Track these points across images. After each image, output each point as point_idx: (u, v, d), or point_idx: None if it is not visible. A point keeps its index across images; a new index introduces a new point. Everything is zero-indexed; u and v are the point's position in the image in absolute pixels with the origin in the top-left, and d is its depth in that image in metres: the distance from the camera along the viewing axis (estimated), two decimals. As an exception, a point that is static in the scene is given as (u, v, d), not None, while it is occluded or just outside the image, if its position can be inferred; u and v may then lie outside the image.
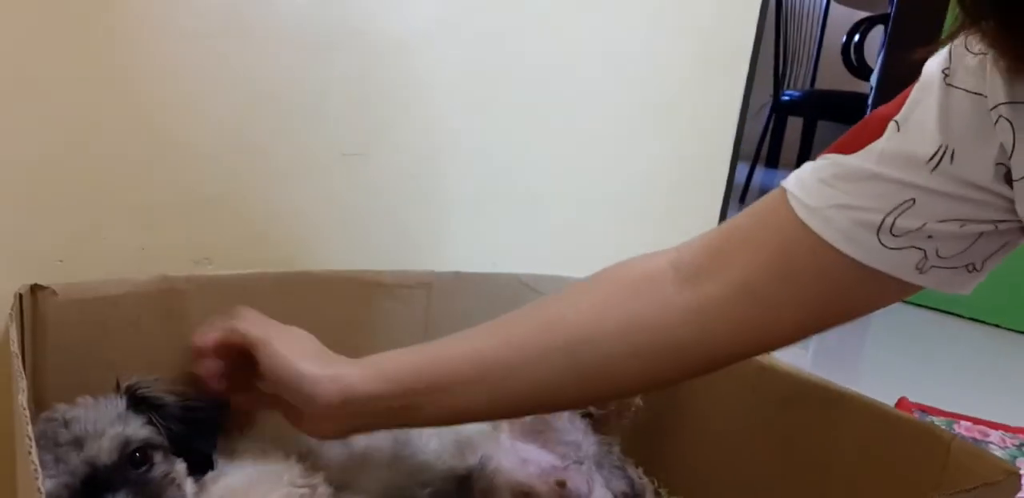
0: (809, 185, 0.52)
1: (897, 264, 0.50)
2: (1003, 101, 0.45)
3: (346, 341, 0.78)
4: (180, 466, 0.58)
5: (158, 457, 0.57)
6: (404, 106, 0.88)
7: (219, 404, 0.63)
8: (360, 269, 0.78)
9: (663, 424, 0.83)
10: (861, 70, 3.16)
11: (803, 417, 0.72)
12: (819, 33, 3.82)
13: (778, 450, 0.74)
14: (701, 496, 0.80)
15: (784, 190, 0.54)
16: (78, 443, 0.54)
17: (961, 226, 0.49)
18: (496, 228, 1.00)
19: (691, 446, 0.83)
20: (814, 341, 1.99)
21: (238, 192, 0.80)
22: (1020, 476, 0.57)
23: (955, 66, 0.48)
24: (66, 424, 0.55)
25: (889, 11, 2.76)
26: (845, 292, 0.53)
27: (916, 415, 1.48)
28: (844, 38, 3.26)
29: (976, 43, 0.46)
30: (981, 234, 0.50)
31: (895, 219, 0.49)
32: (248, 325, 0.61)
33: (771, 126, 3.74)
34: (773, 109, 3.56)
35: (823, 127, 4.13)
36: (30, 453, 0.44)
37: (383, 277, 0.79)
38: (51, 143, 0.71)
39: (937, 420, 1.47)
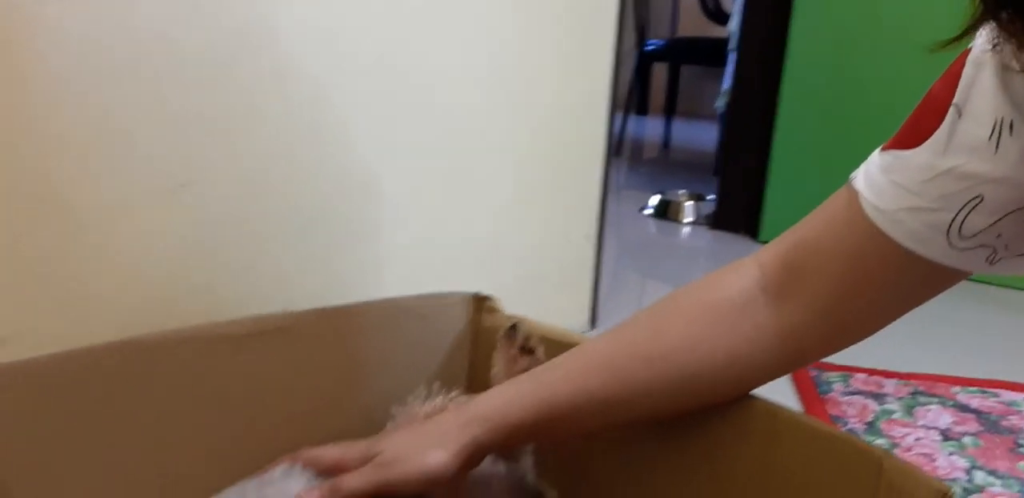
0: (880, 186, 0.53)
1: (969, 261, 0.52)
2: None
3: (203, 411, 0.67)
4: None
5: None
6: (224, 131, 0.76)
7: None
8: (199, 324, 0.67)
9: (580, 450, 0.77)
10: (718, 16, 3.17)
11: (725, 431, 0.66)
12: (675, -20, 3.82)
13: (700, 467, 0.68)
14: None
15: (854, 190, 0.54)
16: None
17: None
18: (359, 247, 0.90)
19: (610, 470, 0.76)
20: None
21: (27, 251, 0.66)
22: (953, 496, 0.53)
23: (1004, 41, 0.45)
24: None
25: (742, -45, 2.75)
26: (919, 287, 0.55)
27: (812, 373, 1.48)
28: (700, -16, 3.25)
29: None
30: None
31: (965, 217, 0.50)
32: (351, 480, 0.59)
33: (637, 76, 3.74)
34: (638, 59, 3.55)
35: (686, 71, 4.18)
36: None
37: (230, 328, 0.68)
38: None
39: (832, 375, 1.47)
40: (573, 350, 0.66)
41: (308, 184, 0.85)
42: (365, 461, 0.60)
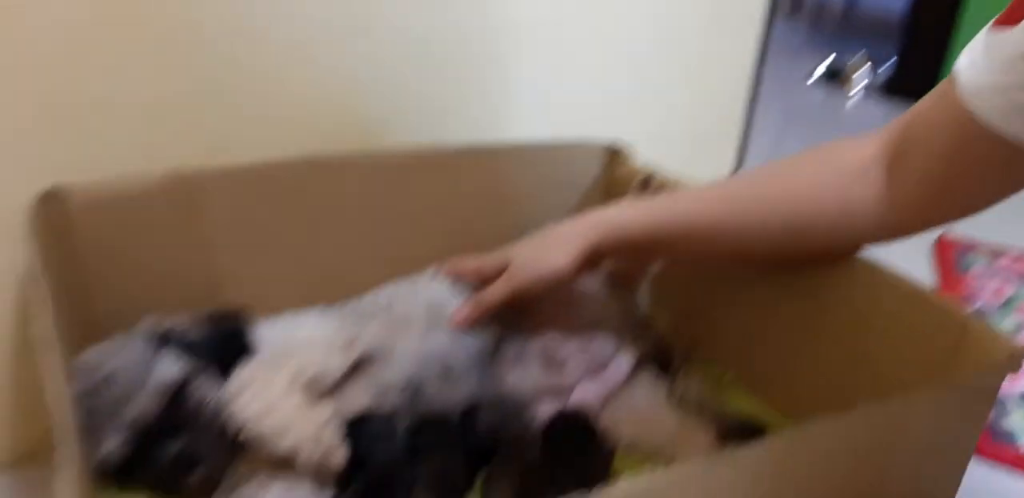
0: (977, 65, 0.53)
1: None
2: None
3: (370, 223, 0.78)
4: (220, 385, 0.60)
5: (198, 386, 0.59)
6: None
7: (242, 321, 0.66)
8: (370, 150, 0.77)
9: (691, 285, 0.83)
10: None
11: (827, 280, 0.70)
12: None
13: (800, 311, 0.73)
14: (724, 354, 0.81)
15: (956, 70, 0.55)
16: (123, 400, 0.56)
17: None
18: (507, 92, 0.96)
19: (717, 306, 0.82)
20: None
21: (247, 76, 0.77)
22: (1022, 360, 0.56)
23: None
24: (106, 382, 0.56)
25: None
26: (1012, 170, 0.56)
27: (956, 250, 1.45)
28: None
29: None
30: None
31: None
32: (489, 294, 0.69)
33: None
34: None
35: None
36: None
37: (396, 158, 0.77)
38: (55, 41, 0.68)
39: (977, 255, 1.44)
40: (701, 184, 0.70)
41: (463, 33, 0.91)
42: (498, 267, 0.70)
